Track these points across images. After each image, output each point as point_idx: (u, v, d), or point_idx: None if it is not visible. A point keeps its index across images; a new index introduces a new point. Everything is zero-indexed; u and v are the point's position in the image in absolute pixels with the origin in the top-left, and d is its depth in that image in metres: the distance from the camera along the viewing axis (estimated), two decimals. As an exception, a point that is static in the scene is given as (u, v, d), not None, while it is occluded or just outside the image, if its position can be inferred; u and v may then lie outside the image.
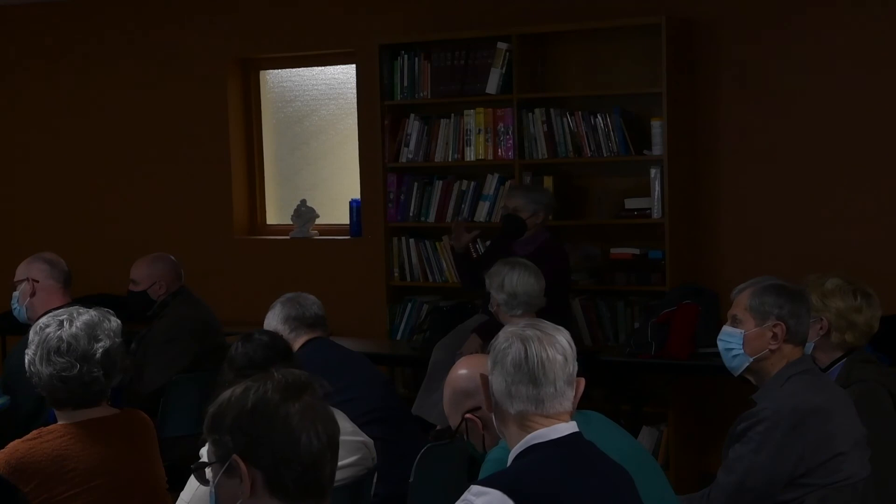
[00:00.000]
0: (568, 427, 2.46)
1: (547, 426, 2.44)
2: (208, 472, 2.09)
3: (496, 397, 2.48)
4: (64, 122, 7.92)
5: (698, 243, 6.14)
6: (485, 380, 2.51)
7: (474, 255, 6.14)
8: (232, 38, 7.34)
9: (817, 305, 3.61)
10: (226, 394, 2.09)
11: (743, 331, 3.31)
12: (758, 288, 3.32)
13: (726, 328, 3.37)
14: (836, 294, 3.67)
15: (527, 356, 2.45)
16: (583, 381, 2.52)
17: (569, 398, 2.48)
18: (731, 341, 3.34)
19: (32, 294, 4.79)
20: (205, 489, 3.11)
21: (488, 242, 6.17)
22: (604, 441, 2.65)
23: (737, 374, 3.39)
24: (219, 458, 2.06)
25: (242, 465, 2.02)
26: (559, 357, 2.47)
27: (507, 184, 6.28)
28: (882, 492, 3.42)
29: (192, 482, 3.19)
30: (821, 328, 3.64)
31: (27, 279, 4.81)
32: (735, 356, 3.34)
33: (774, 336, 3.27)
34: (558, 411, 2.47)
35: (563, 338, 2.51)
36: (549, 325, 2.55)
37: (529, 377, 2.44)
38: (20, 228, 7.97)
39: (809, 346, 3.62)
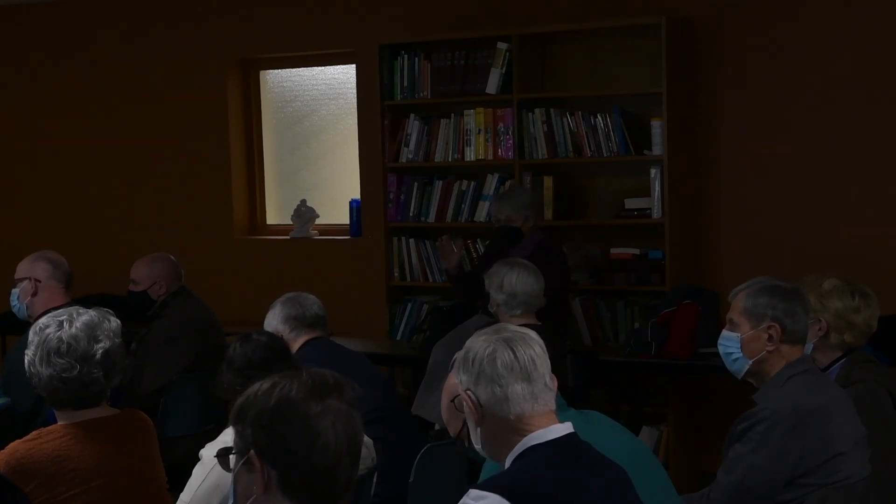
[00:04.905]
0: (563, 428, 2.45)
1: (543, 427, 2.43)
2: (232, 459, 2.09)
3: (486, 408, 2.44)
4: (64, 122, 7.92)
5: (698, 243, 6.14)
6: (466, 397, 2.46)
7: (469, 265, 6.16)
8: (232, 38, 7.34)
9: (816, 306, 3.61)
10: (254, 387, 2.09)
11: (739, 334, 3.31)
12: (752, 290, 3.32)
13: (724, 332, 3.37)
14: (833, 295, 3.66)
15: (516, 356, 2.44)
16: (555, 378, 2.53)
17: (553, 392, 2.49)
18: (730, 345, 3.34)
19: (34, 293, 4.79)
20: (205, 490, 3.14)
21: (487, 242, 6.17)
22: (606, 441, 2.65)
23: (739, 377, 3.38)
24: (239, 451, 2.07)
25: (258, 461, 2.02)
26: (540, 351, 2.49)
27: (507, 183, 6.28)
28: (882, 492, 3.42)
29: (192, 482, 3.20)
30: (819, 329, 3.64)
31: (29, 278, 4.80)
32: (735, 360, 3.33)
33: (770, 338, 3.26)
34: (550, 408, 2.47)
35: (532, 333, 2.53)
36: (511, 326, 2.56)
37: (523, 375, 2.44)
38: (21, 228, 7.97)
39: (808, 347, 3.62)
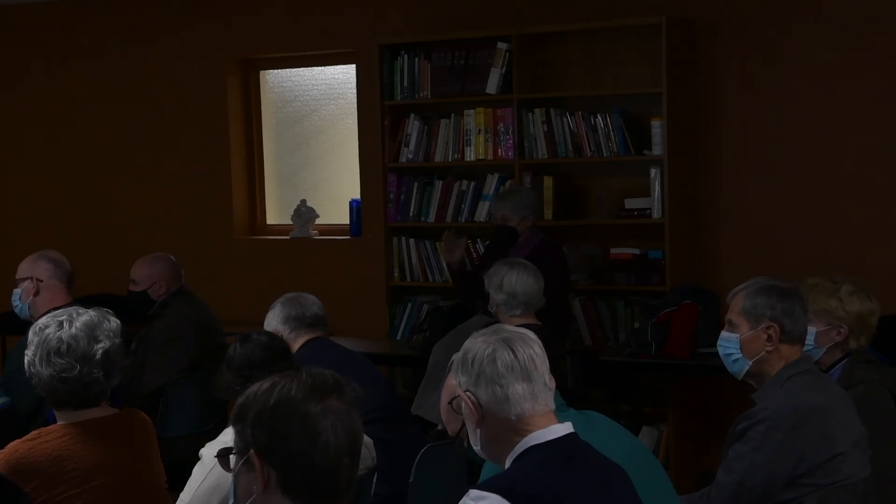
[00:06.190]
0: (563, 428, 2.45)
1: (543, 427, 2.43)
2: (232, 459, 2.09)
3: (486, 409, 2.44)
4: (64, 123, 7.92)
5: (698, 243, 6.15)
6: (466, 398, 2.45)
7: (469, 264, 6.18)
8: (232, 38, 7.34)
9: (838, 313, 3.61)
10: (254, 387, 2.10)
11: (738, 335, 3.31)
12: (750, 290, 3.32)
13: (724, 333, 3.37)
14: (854, 299, 3.65)
15: (516, 356, 2.44)
16: (553, 378, 2.53)
17: (552, 392, 2.49)
18: (729, 346, 3.34)
19: (36, 293, 4.79)
20: (205, 489, 3.15)
21: (487, 242, 6.17)
22: (606, 441, 2.65)
23: (739, 378, 3.39)
24: (239, 450, 2.07)
25: (258, 461, 2.03)
26: (539, 351, 2.48)
27: (507, 183, 6.28)
28: (882, 492, 3.42)
29: (192, 482, 3.20)
30: (837, 335, 3.63)
31: (31, 278, 4.80)
32: (735, 360, 3.34)
33: (769, 338, 3.26)
34: (550, 407, 2.46)
35: (531, 333, 2.53)
36: (508, 326, 2.56)
37: (523, 375, 2.43)
38: (21, 228, 7.97)
39: (819, 352, 3.62)
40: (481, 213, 6.42)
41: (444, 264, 6.32)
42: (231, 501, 2.11)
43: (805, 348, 3.38)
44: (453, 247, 5.89)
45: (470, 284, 5.77)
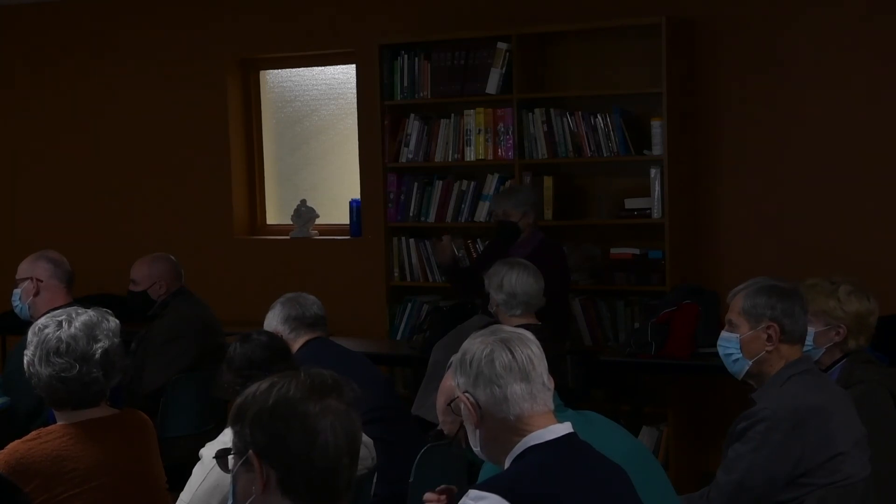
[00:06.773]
0: (563, 428, 2.45)
1: (542, 427, 2.43)
2: (231, 460, 2.09)
3: (485, 409, 2.44)
4: (65, 123, 7.92)
5: (698, 243, 6.15)
6: (465, 399, 2.46)
7: (467, 261, 6.18)
8: (232, 38, 7.34)
9: (836, 313, 3.61)
10: (253, 387, 2.09)
11: (738, 335, 3.31)
12: (750, 290, 3.32)
13: (724, 334, 3.37)
14: (852, 299, 3.66)
15: (514, 356, 2.44)
16: (552, 378, 2.53)
17: (551, 392, 2.49)
18: (729, 346, 3.34)
19: (36, 293, 4.79)
20: (205, 489, 3.15)
21: (487, 242, 6.17)
22: (605, 441, 2.65)
23: (739, 378, 3.39)
24: (238, 451, 2.07)
25: (257, 462, 2.02)
26: (537, 351, 2.48)
27: (507, 183, 6.28)
28: (882, 492, 3.42)
29: (192, 482, 3.20)
30: (836, 335, 3.63)
31: (31, 278, 4.80)
32: (735, 360, 3.34)
33: (769, 338, 3.27)
34: (549, 407, 2.47)
35: (528, 333, 2.53)
36: (506, 327, 2.56)
37: (521, 375, 2.43)
38: (21, 228, 7.97)
39: (818, 352, 3.62)
40: (481, 213, 6.42)
41: (436, 267, 6.34)
42: (230, 502, 2.11)
43: (804, 348, 3.38)
44: (442, 250, 5.91)
45: (466, 281, 5.77)
